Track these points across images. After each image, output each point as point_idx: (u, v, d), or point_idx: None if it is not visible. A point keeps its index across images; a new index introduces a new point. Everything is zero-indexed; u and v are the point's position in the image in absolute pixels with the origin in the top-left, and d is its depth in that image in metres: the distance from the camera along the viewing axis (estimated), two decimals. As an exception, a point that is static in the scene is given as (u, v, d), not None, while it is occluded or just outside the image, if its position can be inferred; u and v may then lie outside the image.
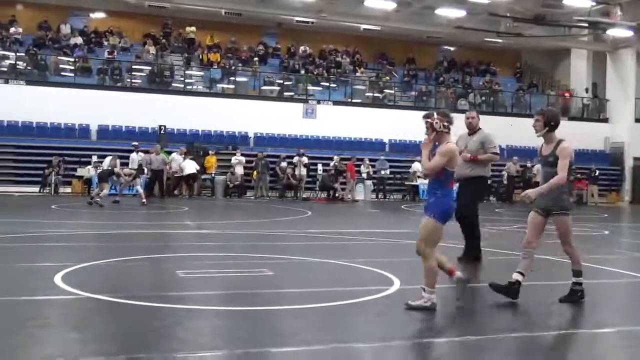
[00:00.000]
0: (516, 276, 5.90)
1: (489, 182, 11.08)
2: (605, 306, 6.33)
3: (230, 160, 23.72)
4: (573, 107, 32.70)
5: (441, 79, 32.23)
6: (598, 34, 30.30)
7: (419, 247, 5.56)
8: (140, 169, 19.57)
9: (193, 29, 29.40)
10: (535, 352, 4.67)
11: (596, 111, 32.49)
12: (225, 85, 27.76)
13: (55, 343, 4.31)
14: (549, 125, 6.09)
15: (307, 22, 30.11)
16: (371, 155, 26.41)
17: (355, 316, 5.47)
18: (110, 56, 26.63)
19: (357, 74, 30.74)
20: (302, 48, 31.12)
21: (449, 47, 34.85)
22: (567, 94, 32.95)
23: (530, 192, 5.90)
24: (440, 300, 5.56)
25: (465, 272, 6.39)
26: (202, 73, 28.25)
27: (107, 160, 18.92)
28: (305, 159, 23.95)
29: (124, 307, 5.38)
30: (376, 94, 29.95)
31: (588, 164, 27.94)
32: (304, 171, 23.81)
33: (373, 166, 25.40)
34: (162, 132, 23.77)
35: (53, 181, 21.41)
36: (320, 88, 28.96)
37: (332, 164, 24.32)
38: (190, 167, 22.41)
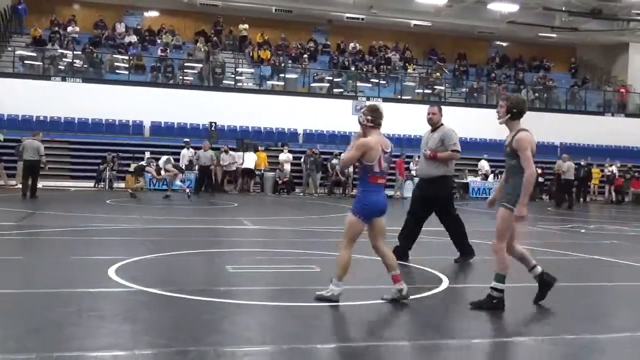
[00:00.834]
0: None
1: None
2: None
3: (278, 157, 23.90)
4: (630, 104, 31.77)
5: (492, 75, 31.71)
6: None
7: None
8: (179, 167, 19.75)
9: (246, 26, 29.69)
10: None
11: (655, 107, 31.54)
12: (275, 82, 27.94)
13: (109, 334, 4.42)
14: (511, 112, 5.54)
15: (357, 19, 30.08)
16: (420, 152, 26.16)
17: (401, 315, 5.44)
18: (163, 54, 27.11)
19: (407, 70, 30.53)
20: (351, 45, 31.07)
21: (501, 43, 34.29)
22: (624, 90, 32.00)
23: (518, 208, 5.38)
24: (509, 300, 5.46)
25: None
26: (252, 70, 28.50)
27: (163, 159, 19.33)
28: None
29: (175, 301, 5.48)
30: (426, 91, 29.68)
31: (646, 162, 27.13)
32: (351, 168, 23.77)
33: (416, 163, 25.19)
34: (212, 128, 24.10)
35: (107, 176, 21.95)
36: (369, 85, 28.88)
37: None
38: (249, 161, 22.67)
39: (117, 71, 26.29)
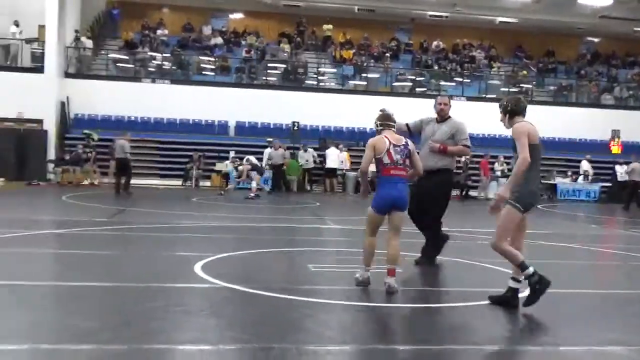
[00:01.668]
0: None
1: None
2: None
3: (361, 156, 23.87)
4: None
5: (583, 72, 30.52)
6: None
7: None
8: (256, 166, 19.68)
9: (330, 26, 29.83)
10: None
11: None
12: (357, 82, 27.94)
13: (194, 329, 4.55)
14: (507, 112, 5.51)
15: (441, 17, 29.67)
16: (506, 152, 25.53)
17: (484, 318, 5.33)
18: (247, 55, 27.64)
19: (492, 68, 29.84)
20: (435, 43, 30.67)
21: (592, 39, 32.94)
22: None
23: (500, 191, 5.24)
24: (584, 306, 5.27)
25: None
26: (334, 70, 28.61)
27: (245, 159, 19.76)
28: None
29: (258, 298, 5.58)
30: (512, 89, 28.92)
31: None
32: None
33: (508, 164, 24.54)
34: (295, 128, 24.36)
35: (194, 175, 22.58)
36: (453, 83, 28.42)
37: (462, 159, 23.78)
38: (333, 160, 22.77)
39: (203, 72, 27.01)
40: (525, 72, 29.95)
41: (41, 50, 24.15)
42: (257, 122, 25.34)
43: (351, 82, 27.83)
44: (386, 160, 5.89)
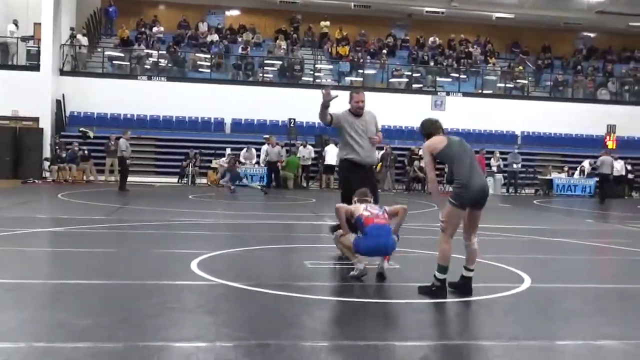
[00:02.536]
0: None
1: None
2: None
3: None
4: None
5: (579, 67, 30.55)
6: None
7: None
8: (231, 170, 19.96)
9: (327, 23, 29.81)
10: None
11: None
12: (354, 78, 27.93)
13: (190, 326, 4.54)
14: (424, 135, 5.93)
15: (437, 12, 29.66)
16: (502, 148, 25.59)
17: (481, 314, 5.35)
18: (243, 52, 27.60)
19: (489, 64, 29.85)
20: (431, 39, 30.66)
21: (588, 34, 32.98)
22: None
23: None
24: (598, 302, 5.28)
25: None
26: (331, 66, 28.60)
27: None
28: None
29: (254, 294, 5.57)
30: (508, 85, 28.96)
31: None
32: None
33: (504, 159, 24.57)
34: (291, 125, 24.35)
35: (190, 172, 22.56)
36: (449, 79, 28.43)
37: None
38: (332, 157, 22.79)
39: (199, 69, 26.98)
40: (521, 67, 29.96)
41: (37, 48, 24.08)
42: (254, 119, 25.32)
43: (347, 79, 27.82)
44: (366, 213, 6.17)
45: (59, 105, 23.96)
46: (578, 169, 24.86)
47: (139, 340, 4.10)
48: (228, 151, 22.83)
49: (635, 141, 27.82)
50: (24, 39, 24.67)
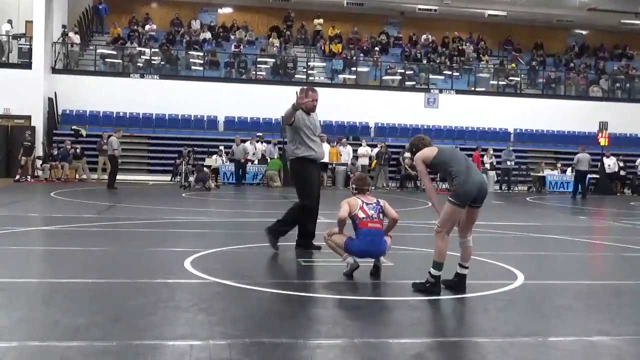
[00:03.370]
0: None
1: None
2: None
3: (357, 150, 23.86)
4: None
5: (571, 64, 30.65)
6: None
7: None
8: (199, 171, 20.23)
9: (320, 21, 29.80)
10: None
11: None
12: (347, 76, 27.93)
13: (185, 324, 4.54)
14: (412, 151, 6.05)
15: (430, 10, 29.69)
16: (495, 145, 25.66)
17: (475, 311, 5.36)
18: (236, 50, 27.56)
19: (481, 61, 29.91)
20: (424, 36, 30.69)
21: (580, 31, 33.10)
22: None
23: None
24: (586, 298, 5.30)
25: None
26: (324, 64, 28.59)
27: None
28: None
29: (248, 293, 5.56)
30: (501, 82, 29.02)
31: None
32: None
33: (497, 157, 24.63)
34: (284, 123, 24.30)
35: (183, 170, 22.51)
36: (442, 77, 28.48)
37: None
38: (325, 155, 22.82)
39: (192, 67, 26.92)
40: (514, 64, 30.04)
41: (28, 46, 23.97)
42: (247, 117, 25.29)
43: (341, 76, 27.83)
44: (361, 215, 6.16)
45: (51, 103, 23.86)
46: (570, 168, 24.93)
47: (133, 339, 4.09)
48: (221, 149, 22.82)
49: (627, 138, 27.95)
50: (16, 37, 24.54)
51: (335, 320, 4.89)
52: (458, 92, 27.18)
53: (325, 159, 22.93)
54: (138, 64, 26.34)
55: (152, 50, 26.63)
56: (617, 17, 29.59)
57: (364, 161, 23.48)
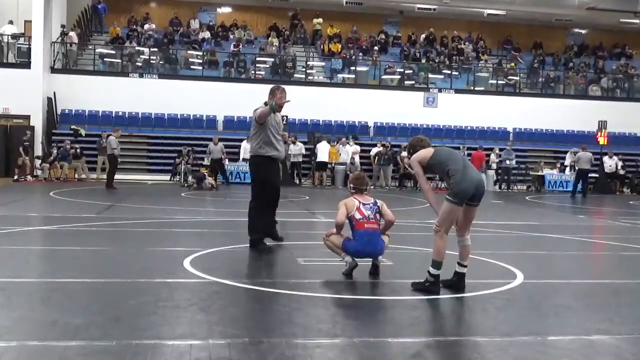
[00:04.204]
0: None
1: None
2: None
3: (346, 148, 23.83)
4: None
5: (570, 64, 30.65)
6: None
7: None
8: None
9: (320, 20, 29.79)
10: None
11: None
12: (346, 75, 27.92)
13: (184, 324, 4.54)
14: (409, 152, 6.11)
15: (429, 9, 29.69)
16: (494, 144, 25.68)
17: (474, 310, 5.36)
18: (235, 49, 27.54)
19: (481, 61, 29.91)
20: (423, 36, 30.68)
21: (579, 30, 33.11)
22: None
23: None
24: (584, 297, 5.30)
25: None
26: (323, 63, 28.58)
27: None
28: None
29: (247, 292, 5.57)
30: (500, 81, 29.02)
31: None
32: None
33: (499, 156, 24.61)
34: (284, 122, 24.27)
35: (183, 170, 22.51)
36: (441, 76, 28.47)
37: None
38: (324, 154, 22.79)
39: (191, 67, 26.90)
40: (513, 64, 30.04)
41: (27, 46, 23.95)
42: (246, 117, 25.23)
43: (340, 76, 27.81)
44: (358, 216, 6.19)
45: (50, 103, 23.84)
46: (568, 165, 24.93)
47: (132, 339, 4.09)
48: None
49: (626, 137, 27.95)
50: (15, 37, 24.52)
51: (335, 319, 4.89)
52: (457, 91, 27.17)
53: (325, 159, 22.96)
54: (137, 64, 26.32)
55: (151, 49, 26.61)
56: (616, 16, 29.59)
57: (357, 159, 23.33)
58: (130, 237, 9.10)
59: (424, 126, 26.02)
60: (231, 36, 29.05)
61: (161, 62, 26.69)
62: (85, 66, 25.76)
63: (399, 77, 27.97)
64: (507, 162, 24.13)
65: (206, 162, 21.97)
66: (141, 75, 25.32)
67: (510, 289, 6.00)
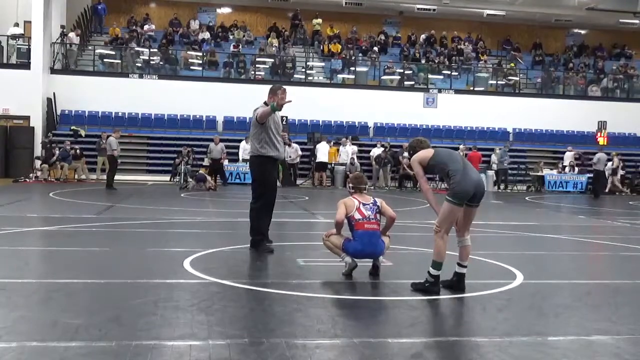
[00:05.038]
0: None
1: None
2: None
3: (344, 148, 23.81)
4: None
5: (570, 64, 30.66)
6: None
7: None
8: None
9: (319, 21, 29.80)
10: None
11: None
12: (346, 76, 27.93)
13: (184, 324, 4.54)
14: (410, 153, 6.17)
15: (429, 10, 29.70)
16: (493, 144, 25.70)
17: (474, 310, 5.36)
18: (235, 50, 27.54)
19: (480, 61, 29.91)
20: (422, 36, 30.69)
21: (579, 31, 33.13)
22: None
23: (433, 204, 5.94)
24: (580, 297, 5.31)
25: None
26: (322, 64, 28.59)
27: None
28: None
29: (247, 293, 5.57)
30: (500, 82, 29.03)
31: None
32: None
33: (499, 156, 24.61)
34: (284, 122, 24.28)
35: (182, 170, 22.50)
36: (441, 76, 28.48)
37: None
38: (323, 154, 22.78)
39: (191, 67, 26.91)
40: (513, 64, 30.04)
41: (27, 47, 23.95)
42: (246, 117, 25.24)
43: (339, 76, 27.82)
44: (358, 216, 6.20)
45: (50, 103, 23.85)
46: (568, 165, 24.93)
47: (132, 339, 4.09)
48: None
49: (626, 137, 27.96)
50: (14, 37, 24.53)
51: (334, 319, 4.89)
52: (457, 91, 27.18)
53: (324, 159, 22.96)
54: (137, 64, 26.32)
55: (151, 50, 26.62)
56: (615, 16, 29.61)
57: (347, 159, 23.31)
58: (130, 237, 9.10)
59: (424, 126, 26.03)
60: (231, 37, 29.05)
61: (161, 63, 26.69)
62: (85, 67, 25.76)
63: (399, 77, 27.97)
64: (505, 164, 24.10)
65: (206, 162, 21.97)
66: (141, 76, 25.32)
67: (510, 289, 6.00)
